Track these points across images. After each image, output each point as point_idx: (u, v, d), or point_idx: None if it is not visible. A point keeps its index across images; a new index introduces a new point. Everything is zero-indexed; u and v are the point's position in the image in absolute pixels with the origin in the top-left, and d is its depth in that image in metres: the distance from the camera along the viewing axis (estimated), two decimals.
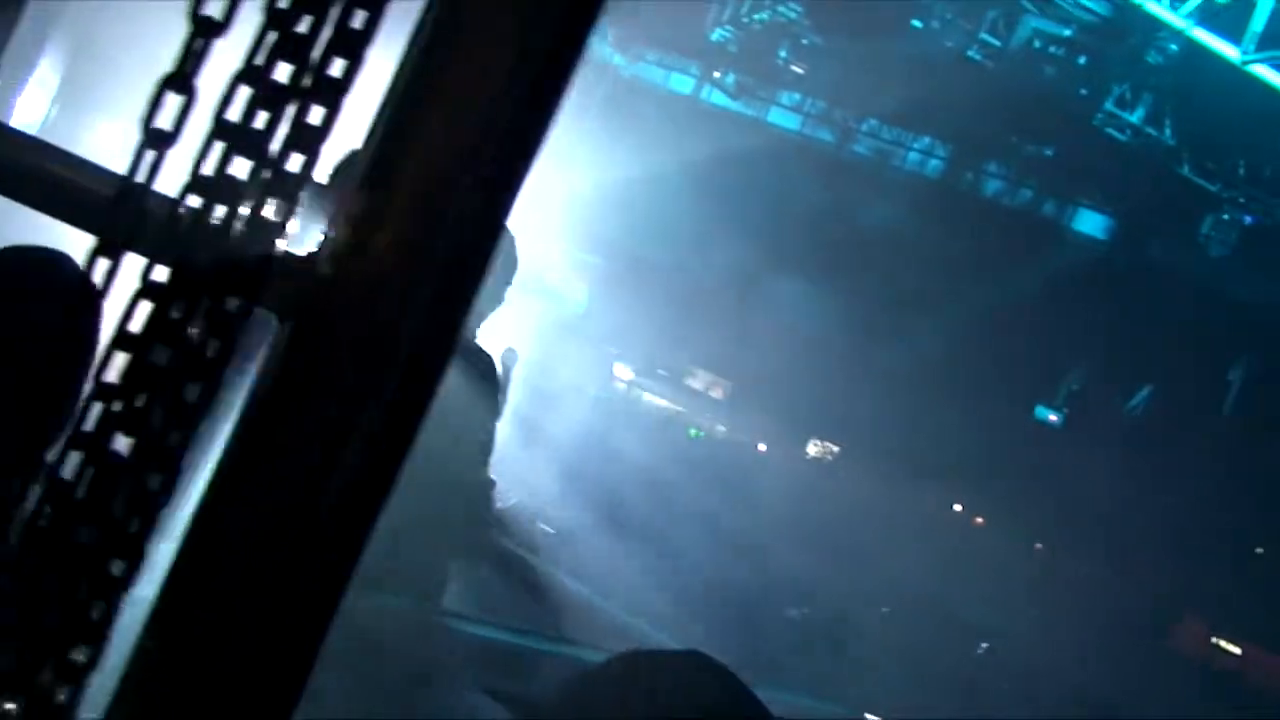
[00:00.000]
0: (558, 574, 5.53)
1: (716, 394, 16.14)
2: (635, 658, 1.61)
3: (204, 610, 0.83)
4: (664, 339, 13.68)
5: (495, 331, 4.75)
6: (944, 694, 9.22)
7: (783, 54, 14.05)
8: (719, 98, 15.23)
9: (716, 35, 14.02)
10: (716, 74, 14.94)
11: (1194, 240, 13.46)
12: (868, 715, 5.28)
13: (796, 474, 13.82)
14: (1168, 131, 12.63)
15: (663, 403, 15.77)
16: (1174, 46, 12.03)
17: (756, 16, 13.70)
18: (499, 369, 4.75)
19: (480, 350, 4.42)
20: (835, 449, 15.09)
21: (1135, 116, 12.60)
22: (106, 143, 9.51)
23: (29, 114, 9.79)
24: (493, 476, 4.94)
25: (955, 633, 10.47)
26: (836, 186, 13.38)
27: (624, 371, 15.21)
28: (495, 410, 4.54)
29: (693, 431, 15.55)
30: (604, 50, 14.00)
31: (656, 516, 9.59)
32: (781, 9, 13.45)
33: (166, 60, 0.82)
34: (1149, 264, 13.49)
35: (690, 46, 14.79)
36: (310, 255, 0.83)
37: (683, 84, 15.76)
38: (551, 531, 6.81)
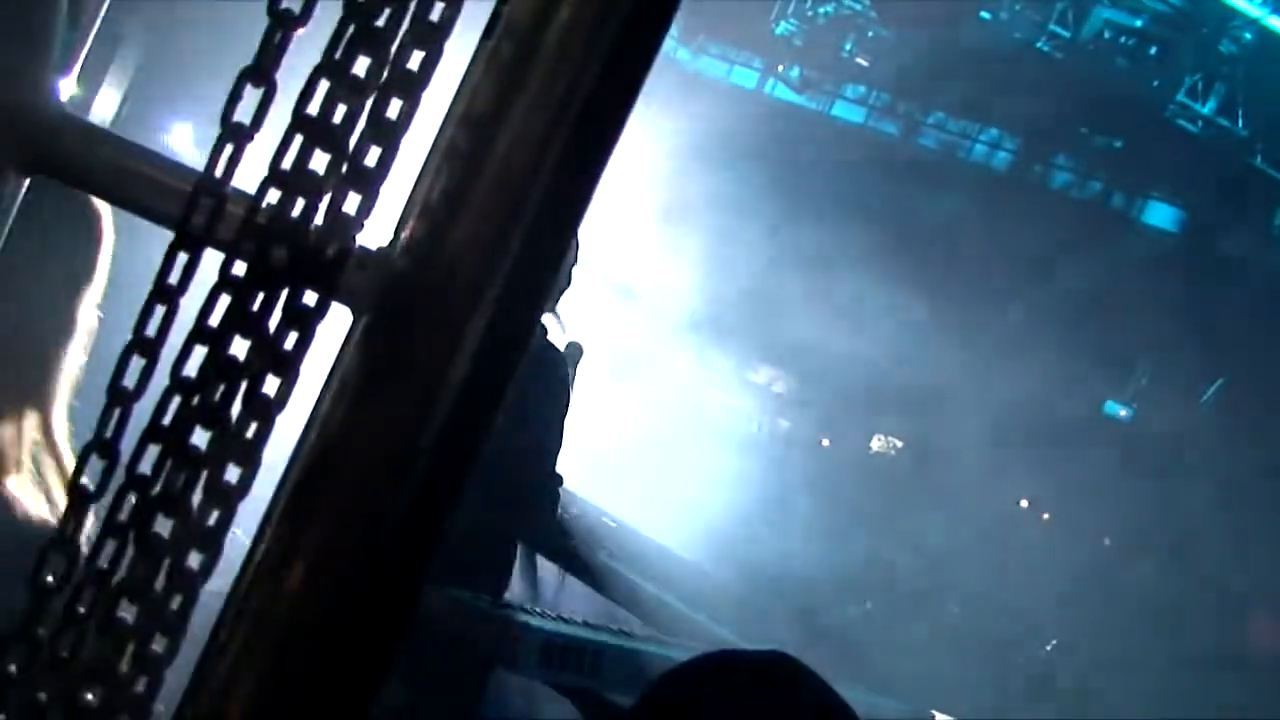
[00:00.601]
0: (619, 567, 5.55)
1: (779, 389, 16.09)
2: (718, 658, 1.60)
3: (279, 604, 0.83)
4: (725, 333, 13.65)
5: (563, 324, 4.76)
6: (1011, 691, 9.15)
7: (848, 47, 13.96)
8: (783, 91, 15.17)
9: (781, 28, 13.96)
10: (781, 67, 14.88)
11: (1267, 233, 13.24)
12: (934, 713, 5.24)
13: (860, 469, 13.76)
14: (1240, 123, 12.43)
15: (725, 397, 15.74)
16: (1248, 36, 11.84)
17: (821, 10, 13.63)
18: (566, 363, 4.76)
19: (549, 344, 4.43)
20: (899, 444, 14.99)
21: (1207, 108, 12.41)
22: (179, 141, 9.63)
23: (102, 112, 9.92)
24: (559, 472, 4.95)
25: (1022, 629, 10.38)
26: (901, 179, 13.30)
27: (685, 365, 15.18)
28: (563, 405, 4.55)
29: (755, 426, 15.51)
30: (668, 44, 13.96)
31: (717, 510, 9.58)
32: (847, 1, 13.38)
33: (242, 59, 0.82)
34: (1220, 257, 13.29)
35: (754, 40, 14.74)
36: (387, 248, 0.83)
37: (746, 78, 15.71)
38: (614, 525, 6.80)
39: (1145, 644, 9.85)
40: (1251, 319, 11.92)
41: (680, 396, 13.68)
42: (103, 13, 1.07)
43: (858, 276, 11.56)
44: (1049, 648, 10.32)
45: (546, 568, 5.28)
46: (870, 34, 13.64)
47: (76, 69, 1.07)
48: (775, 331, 13.46)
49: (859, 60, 14.06)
